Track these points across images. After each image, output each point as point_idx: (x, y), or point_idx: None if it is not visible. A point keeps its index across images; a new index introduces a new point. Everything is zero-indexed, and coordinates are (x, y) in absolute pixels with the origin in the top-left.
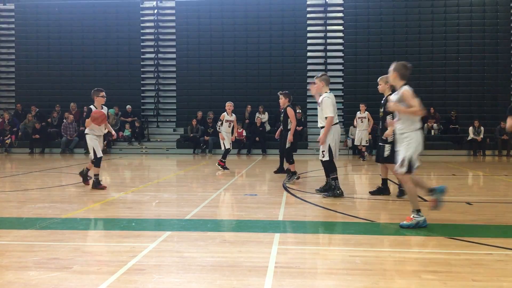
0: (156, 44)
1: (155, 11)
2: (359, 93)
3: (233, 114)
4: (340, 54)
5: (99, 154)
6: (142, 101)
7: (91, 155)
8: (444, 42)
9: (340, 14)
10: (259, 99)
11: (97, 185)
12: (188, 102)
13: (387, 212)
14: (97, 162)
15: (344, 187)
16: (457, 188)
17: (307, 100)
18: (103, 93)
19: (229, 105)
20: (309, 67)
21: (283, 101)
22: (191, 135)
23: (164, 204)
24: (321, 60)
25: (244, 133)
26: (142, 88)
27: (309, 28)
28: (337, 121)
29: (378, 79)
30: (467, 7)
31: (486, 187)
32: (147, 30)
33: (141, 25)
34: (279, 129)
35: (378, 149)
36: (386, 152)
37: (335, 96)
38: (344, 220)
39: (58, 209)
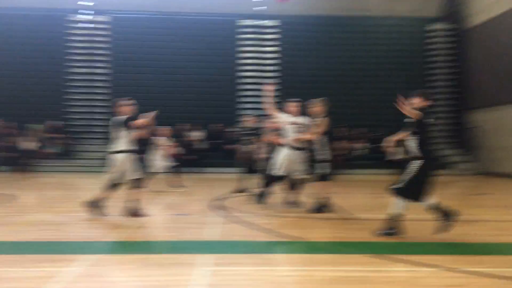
0: (86, 58)
1: (84, 24)
2: None
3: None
4: (274, 74)
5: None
6: (70, 116)
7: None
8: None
9: (274, 36)
10: (192, 117)
11: None
12: None
13: (320, 230)
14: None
15: (274, 205)
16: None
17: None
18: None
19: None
20: (243, 86)
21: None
22: None
23: (89, 225)
24: (255, 80)
25: (179, 152)
26: (71, 103)
27: (241, 48)
28: None
29: (311, 103)
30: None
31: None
32: (77, 44)
33: (71, 38)
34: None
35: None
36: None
37: None
38: (276, 239)
39: None
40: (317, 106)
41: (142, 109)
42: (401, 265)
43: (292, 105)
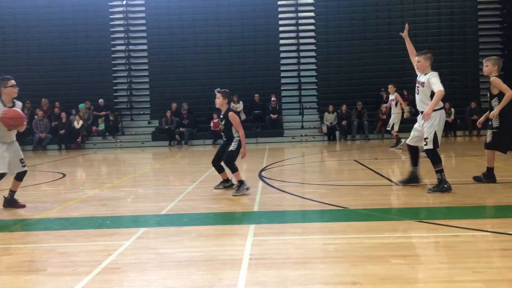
0: (126, 36)
1: (124, 1)
2: (332, 79)
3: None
4: (313, 40)
5: (3, 169)
6: (114, 94)
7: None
8: (413, 25)
9: (311, 1)
10: (233, 88)
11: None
12: (161, 93)
13: (360, 198)
14: None
15: (319, 174)
16: (430, 170)
17: (282, 88)
18: (13, 82)
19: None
20: (282, 55)
21: (220, 101)
22: (166, 127)
23: (139, 199)
24: (294, 47)
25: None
26: (114, 81)
27: (280, 16)
28: (442, 105)
29: (484, 60)
30: None
31: (457, 168)
32: (117, 22)
33: (110, 17)
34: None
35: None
36: (488, 138)
37: (310, 83)
38: (318, 208)
39: (32, 210)
40: None
41: (182, 83)
42: (446, 229)
43: None
